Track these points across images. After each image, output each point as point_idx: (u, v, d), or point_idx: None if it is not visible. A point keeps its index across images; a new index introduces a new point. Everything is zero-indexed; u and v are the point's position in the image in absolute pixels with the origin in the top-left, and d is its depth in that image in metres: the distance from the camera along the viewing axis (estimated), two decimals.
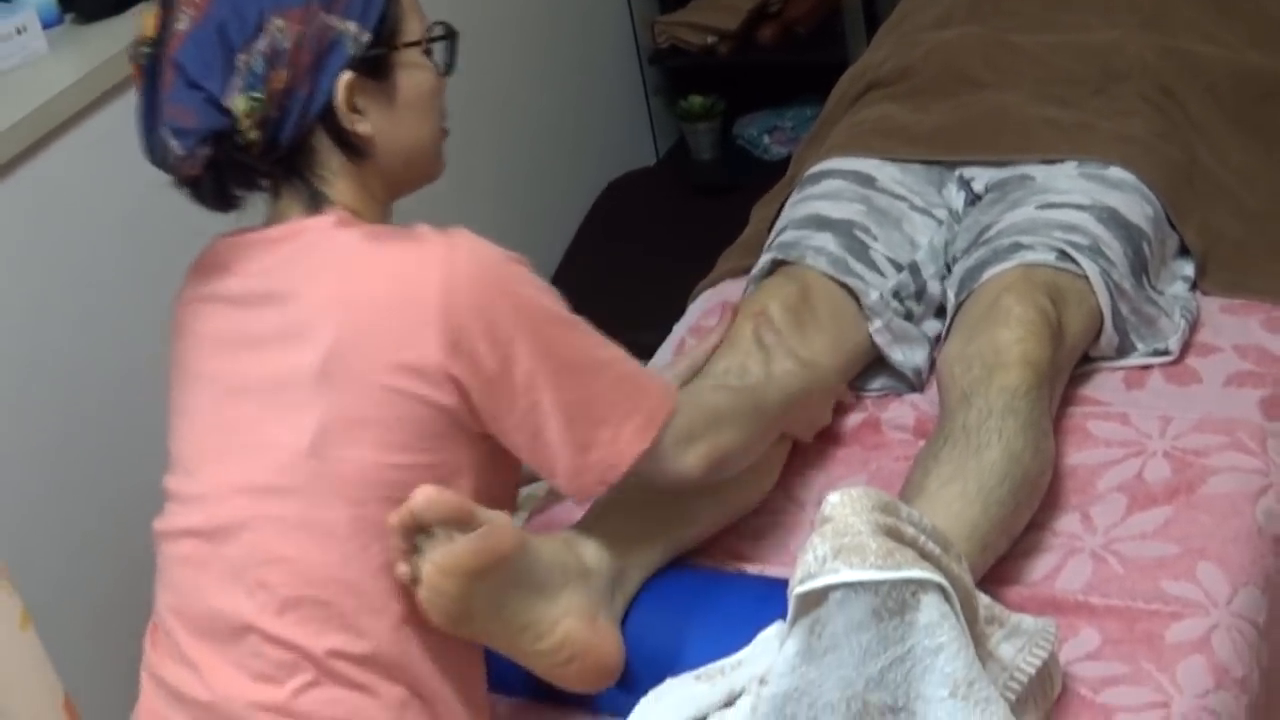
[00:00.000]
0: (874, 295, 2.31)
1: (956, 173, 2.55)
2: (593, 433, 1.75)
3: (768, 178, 2.96)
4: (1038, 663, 1.76)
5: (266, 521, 1.72)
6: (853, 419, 2.32)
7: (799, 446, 2.25)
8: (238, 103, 1.64)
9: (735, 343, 2.25)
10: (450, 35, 1.81)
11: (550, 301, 1.75)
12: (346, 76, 1.68)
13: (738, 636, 1.84)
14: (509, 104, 3.84)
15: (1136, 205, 2.38)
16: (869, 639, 1.57)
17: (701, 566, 2.07)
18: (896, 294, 2.35)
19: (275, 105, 1.65)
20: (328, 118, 1.70)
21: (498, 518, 1.75)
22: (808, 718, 1.62)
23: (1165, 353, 2.32)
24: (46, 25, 2.73)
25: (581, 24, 4.13)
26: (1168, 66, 2.68)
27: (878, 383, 2.38)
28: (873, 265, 2.36)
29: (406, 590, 1.72)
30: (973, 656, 1.59)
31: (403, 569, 1.71)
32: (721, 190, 4.07)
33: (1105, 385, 2.31)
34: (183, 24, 1.65)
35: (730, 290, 2.64)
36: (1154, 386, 2.29)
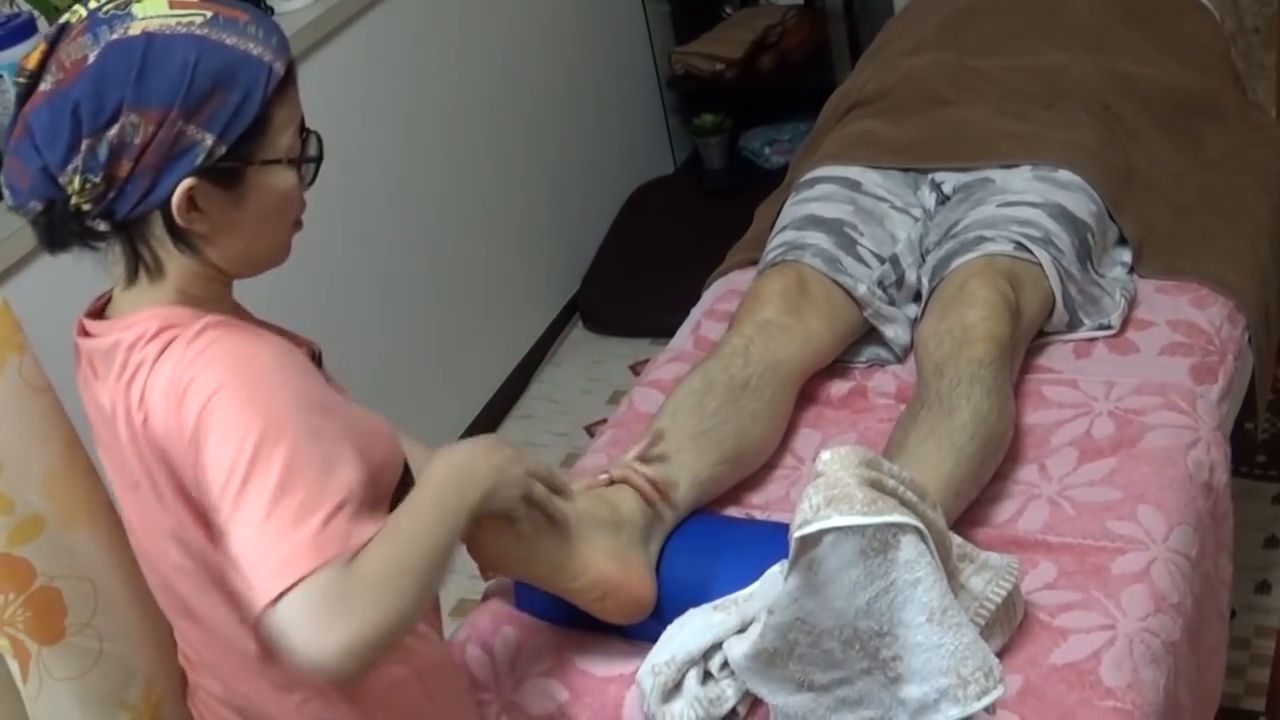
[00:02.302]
0: (862, 289, 2.29)
1: (929, 177, 2.53)
2: None
3: (769, 183, 2.94)
4: (1003, 593, 1.75)
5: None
6: (843, 387, 2.31)
7: (796, 412, 2.23)
8: (73, 181, 1.38)
9: (738, 325, 2.23)
10: (318, 158, 1.52)
11: (257, 405, 1.40)
12: (189, 182, 1.39)
13: (748, 572, 1.83)
14: (549, 123, 3.83)
15: (1082, 202, 2.37)
16: (857, 575, 1.55)
17: (717, 514, 2.05)
18: (880, 283, 2.33)
19: (113, 188, 1.39)
20: (165, 209, 1.41)
21: (540, 469, 1.71)
22: (807, 642, 1.61)
23: (1108, 327, 2.30)
24: None
25: (610, 55, 4.12)
26: (1107, 84, 2.67)
27: (864, 356, 2.36)
28: (860, 259, 2.34)
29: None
30: (946, 588, 1.58)
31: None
32: (730, 194, 4.06)
33: (1057, 356, 2.29)
34: (46, 85, 1.39)
35: (738, 279, 2.62)
36: (1099, 356, 2.27)
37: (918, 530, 1.57)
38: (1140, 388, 2.16)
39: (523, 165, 3.73)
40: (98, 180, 1.38)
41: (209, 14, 1.42)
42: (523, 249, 3.77)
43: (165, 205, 1.41)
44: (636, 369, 3.61)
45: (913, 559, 1.56)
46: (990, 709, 1.58)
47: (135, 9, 1.40)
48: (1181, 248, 2.45)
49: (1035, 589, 1.87)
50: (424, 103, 3.33)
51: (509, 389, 3.67)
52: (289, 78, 1.46)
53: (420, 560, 1.40)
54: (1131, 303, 2.34)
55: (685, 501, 1.98)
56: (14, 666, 1.65)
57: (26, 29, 2.41)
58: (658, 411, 2.11)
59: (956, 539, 1.75)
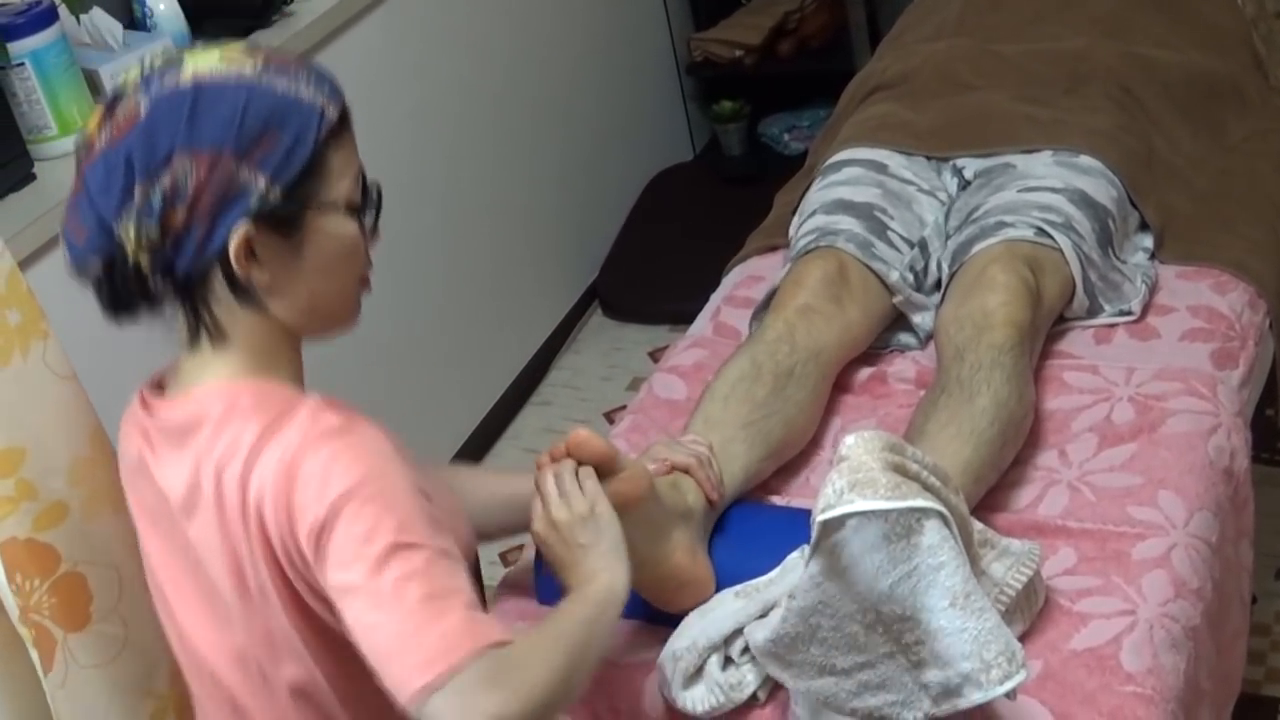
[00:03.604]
0: (894, 275, 2.29)
1: (950, 162, 2.53)
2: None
3: (788, 170, 2.94)
4: (1024, 579, 1.75)
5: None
6: (864, 373, 2.31)
7: None
8: (128, 230, 1.38)
9: (779, 309, 2.21)
10: (378, 204, 1.51)
11: (390, 508, 1.40)
12: (244, 227, 1.38)
13: (769, 559, 1.83)
14: (568, 111, 3.83)
15: (1103, 187, 2.37)
16: (880, 559, 1.55)
17: (740, 500, 2.05)
18: (911, 268, 2.33)
19: (169, 239, 1.38)
20: (225, 261, 1.40)
21: (636, 465, 1.72)
22: (829, 626, 1.61)
23: (1129, 313, 2.30)
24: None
25: (629, 42, 4.12)
26: (1127, 69, 2.66)
27: (887, 342, 2.36)
28: (891, 244, 2.34)
29: None
30: (969, 573, 1.58)
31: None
32: (749, 181, 4.05)
33: (1078, 341, 2.29)
34: (102, 140, 1.40)
35: (758, 265, 2.62)
36: (1119, 342, 2.27)
37: (941, 515, 1.57)
38: (1161, 373, 2.16)
39: (541, 153, 3.73)
40: (153, 229, 1.38)
41: (259, 62, 1.43)
42: (541, 236, 3.77)
43: (224, 257, 1.40)
44: (656, 356, 3.61)
45: (936, 544, 1.56)
46: (1011, 694, 1.58)
47: (186, 62, 1.42)
48: (1202, 233, 2.44)
49: (1055, 574, 1.87)
50: (441, 92, 3.33)
51: (528, 376, 3.68)
52: (343, 124, 1.46)
53: (568, 656, 1.43)
54: (1152, 288, 2.34)
55: (732, 493, 1.98)
56: (35, 655, 1.65)
57: (48, 16, 2.42)
58: (704, 394, 2.09)
59: (978, 525, 1.75)
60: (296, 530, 1.39)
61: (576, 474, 1.67)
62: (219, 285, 1.43)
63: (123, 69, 2.57)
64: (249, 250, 1.41)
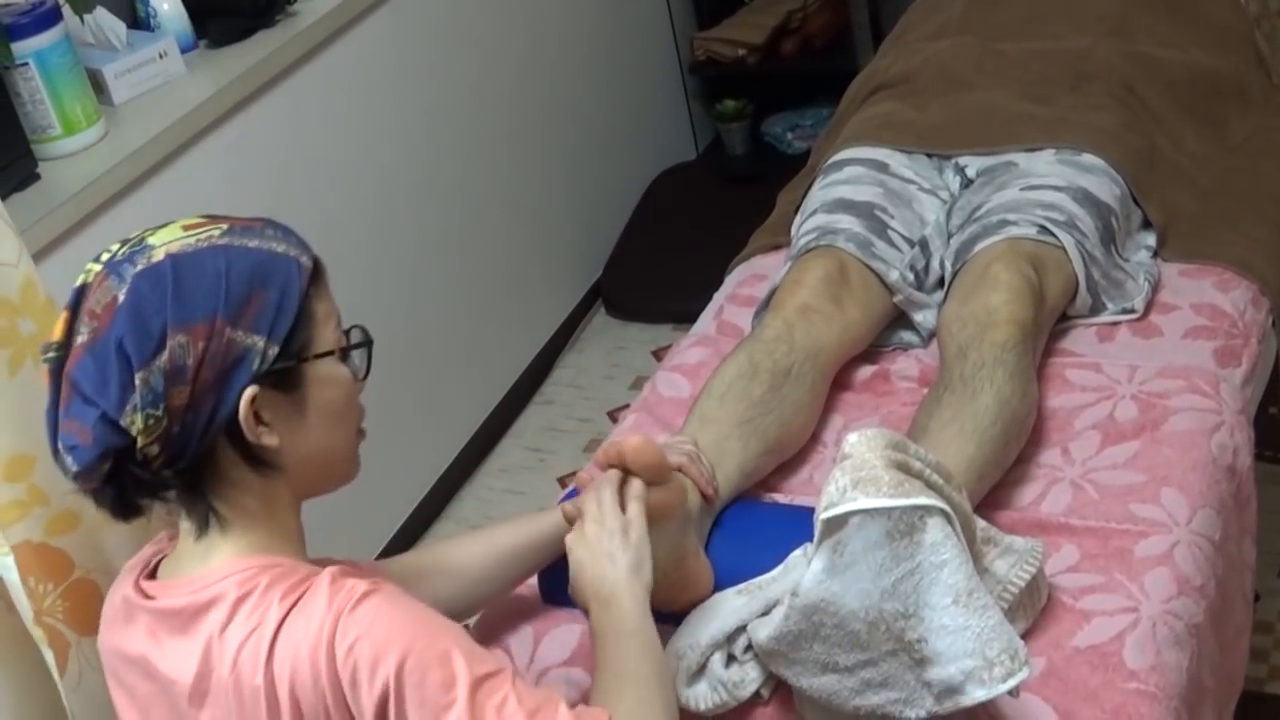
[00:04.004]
0: (894, 275, 2.29)
1: (953, 161, 2.53)
2: None
3: (791, 169, 2.94)
4: (1027, 577, 1.75)
5: None
6: (867, 371, 2.31)
7: None
8: (135, 421, 1.33)
9: (778, 309, 2.22)
10: (367, 343, 1.48)
11: (440, 653, 1.38)
12: (251, 391, 1.35)
13: (772, 557, 1.83)
14: (571, 110, 3.83)
15: (1105, 186, 2.37)
16: (883, 556, 1.56)
17: (741, 498, 2.06)
18: (911, 267, 2.33)
19: (176, 421, 1.34)
20: (232, 431, 1.37)
21: (678, 478, 1.72)
22: (832, 624, 1.61)
23: (1131, 311, 2.30)
24: (183, 50, 2.74)
25: (632, 42, 4.12)
26: (1130, 68, 2.67)
27: (889, 341, 2.36)
28: (891, 243, 2.34)
29: None
30: (972, 570, 1.58)
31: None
32: (752, 180, 4.06)
33: (1081, 339, 2.29)
34: (82, 337, 1.35)
35: (761, 264, 2.62)
36: (1122, 340, 2.27)
37: (944, 513, 1.57)
38: (1163, 371, 2.16)
39: (544, 152, 3.74)
40: (159, 414, 1.34)
41: (224, 226, 1.41)
42: (545, 235, 3.78)
43: (232, 429, 1.37)
44: (659, 354, 3.62)
45: (939, 541, 1.56)
46: (1014, 691, 1.59)
47: (150, 240, 1.39)
48: (1205, 231, 2.44)
49: (1058, 572, 1.87)
50: (445, 90, 3.34)
51: (532, 375, 3.68)
52: (318, 271, 1.45)
53: (653, 680, 1.49)
54: (1155, 286, 2.34)
55: (729, 491, 1.98)
56: (49, 656, 1.65)
57: (52, 16, 2.42)
58: (702, 392, 2.10)
59: (980, 522, 1.75)
60: (355, 702, 1.36)
61: (622, 487, 1.66)
62: (227, 461, 1.40)
63: (126, 68, 2.60)
64: (257, 414, 1.38)
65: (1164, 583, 1.84)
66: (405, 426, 3.20)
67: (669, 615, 1.84)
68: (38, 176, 2.40)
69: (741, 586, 1.81)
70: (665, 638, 1.81)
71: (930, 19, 2.97)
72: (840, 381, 2.27)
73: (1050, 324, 2.24)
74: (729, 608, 1.78)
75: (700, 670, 1.77)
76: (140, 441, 1.35)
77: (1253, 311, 2.30)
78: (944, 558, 1.57)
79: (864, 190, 2.42)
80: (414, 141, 3.24)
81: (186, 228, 1.40)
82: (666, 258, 3.89)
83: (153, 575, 1.50)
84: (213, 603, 1.41)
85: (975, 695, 1.58)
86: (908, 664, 1.62)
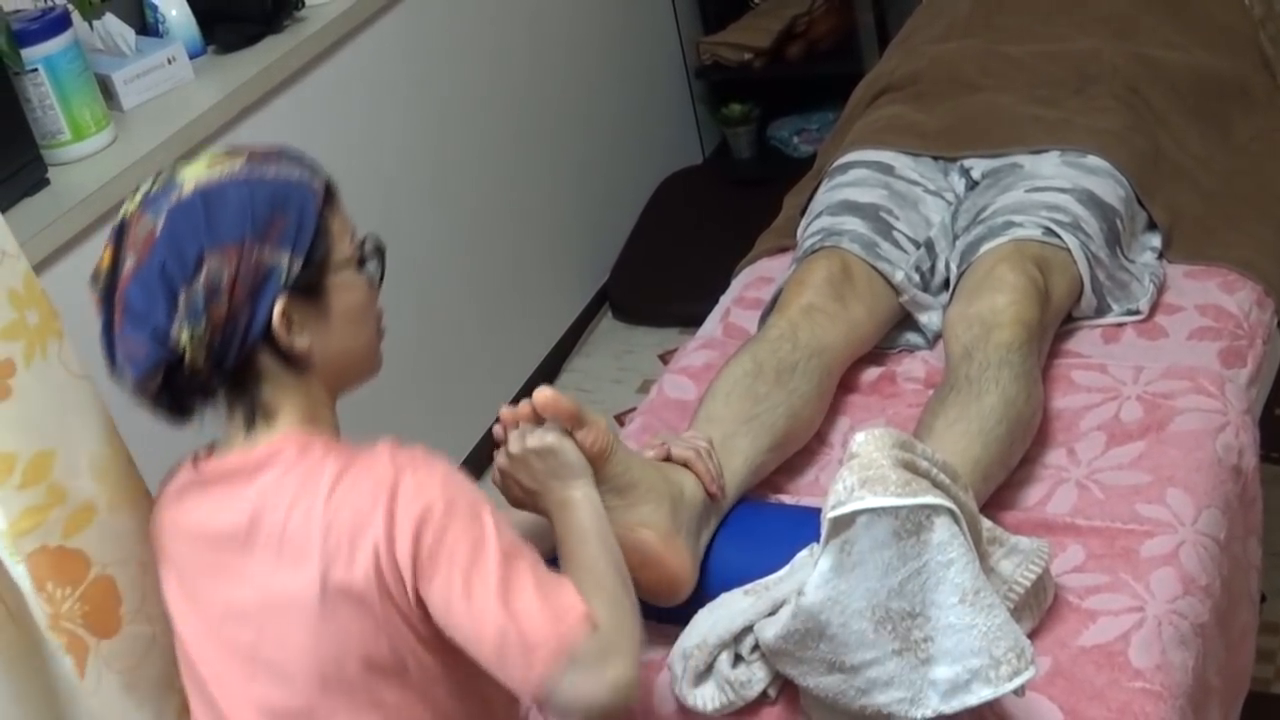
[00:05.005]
0: (900, 275, 2.30)
1: (958, 163, 2.54)
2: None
3: (797, 172, 2.94)
4: (1033, 577, 1.75)
5: (334, 714, 1.58)
6: (872, 372, 2.31)
7: None
8: (182, 336, 1.50)
9: (783, 309, 2.23)
10: (379, 251, 1.66)
11: (479, 522, 1.51)
12: (281, 301, 1.52)
13: (779, 557, 1.84)
14: (577, 114, 3.84)
15: (1110, 187, 2.37)
16: (890, 556, 1.56)
17: (747, 498, 2.06)
18: (916, 268, 2.34)
19: (217, 333, 1.51)
20: (268, 338, 1.54)
21: (599, 421, 1.76)
22: (839, 623, 1.62)
23: (1136, 312, 2.31)
24: (192, 56, 2.75)
25: (638, 46, 4.13)
26: (1135, 70, 2.67)
27: (895, 342, 2.37)
28: (896, 244, 2.35)
29: None
30: (979, 570, 1.59)
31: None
32: (758, 183, 4.05)
33: (1086, 340, 2.30)
34: (129, 264, 1.52)
35: (767, 267, 2.63)
36: (1128, 341, 2.28)
37: (951, 512, 1.58)
38: (1169, 372, 2.16)
39: (551, 156, 3.74)
40: (202, 328, 1.50)
41: (244, 158, 1.57)
42: (552, 239, 3.79)
43: (267, 336, 1.53)
44: (666, 358, 3.62)
45: (946, 540, 1.57)
46: (1020, 690, 1.59)
47: (179, 177, 1.55)
48: (1210, 233, 2.45)
49: (1064, 571, 1.88)
50: (452, 95, 3.35)
51: (539, 379, 3.69)
52: (330, 192, 1.60)
53: (617, 579, 1.58)
54: (1160, 288, 2.34)
55: (737, 488, 1.98)
56: (68, 663, 1.66)
57: (61, 22, 2.44)
58: (707, 392, 2.11)
59: (986, 522, 1.76)
60: (395, 546, 1.49)
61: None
62: (266, 363, 1.56)
63: (135, 74, 2.62)
64: (288, 321, 1.54)
65: (1169, 582, 1.84)
66: (413, 429, 3.19)
67: (678, 615, 1.85)
68: (47, 182, 2.41)
69: (748, 587, 1.82)
70: (672, 638, 1.83)
71: (935, 22, 2.98)
72: (846, 383, 2.27)
73: (1055, 325, 2.24)
74: (736, 608, 1.79)
75: (707, 670, 1.78)
76: (188, 353, 1.51)
77: (1257, 312, 2.31)
78: (951, 557, 1.57)
79: (869, 192, 2.43)
80: (421, 146, 3.25)
81: (210, 163, 1.56)
82: (673, 261, 3.90)
83: (211, 452, 1.65)
84: (270, 460, 1.57)
85: (981, 694, 1.59)
86: (914, 663, 1.62)
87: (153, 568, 1.70)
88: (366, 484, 1.51)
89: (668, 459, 1.91)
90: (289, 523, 1.53)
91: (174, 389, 1.55)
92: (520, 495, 1.75)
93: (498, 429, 1.78)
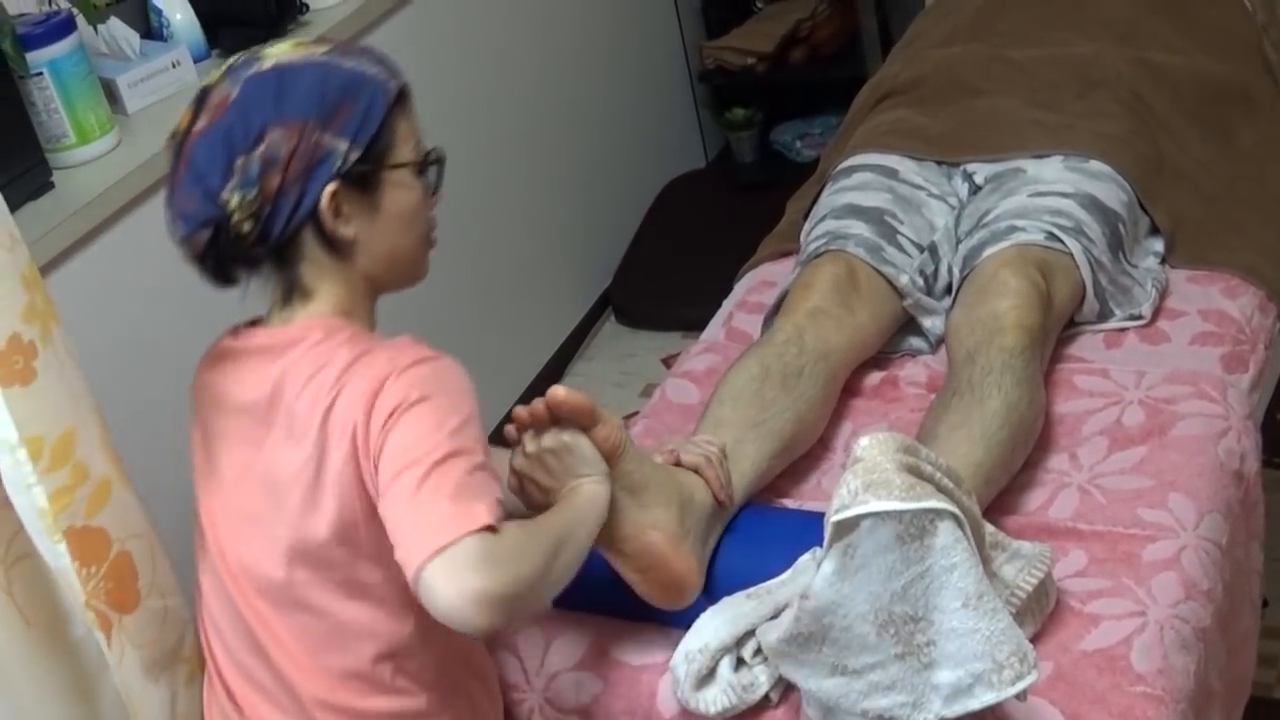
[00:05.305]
0: (904, 279, 2.30)
1: (961, 167, 2.54)
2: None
3: (800, 177, 2.95)
4: (1035, 581, 1.76)
5: (310, 587, 1.65)
6: (875, 377, 2.32)
7: None
8: (232, 198, 1.57)
9: (789, 312, 2.23)
10: (439, 161, 1.72)
11: (446, 417, 1.55)
12: (332, 186, 1.58)
13: (781, 561, 1.84)
14: (581, 118, 3.84)
15: (1113, 192, 2.38)
16: (894, 559, 1.57)
17: (750, 503, 2.07)
18: (920, 272, 2.34)
19: (267, 203, 1.57)
20: (315, 219, 1.60)
21: (613, 418, 1.78)
22: (841, 627, 1.62)
23: (1139, 317, 2.31)
24: (196, 59, 2.75)
25: (641, 49, 4.13)
26: (1137, 75, 2.67)
27: (898, 347, 2.37)
28: (901, 248, 2.35)
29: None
30: (982, 574, 1.59)
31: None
32: (761, 187, 4.06)
33: (1088, 345, 2.30)
34: (201, 124, 1.60)
35: (770, 271, 2.64)
36: (1130, 346, 2.28)
37: (955, 517, 1.58)
38: (1171, 377, 2.17)
39: (554, 160, 3.75)
40: (253, 195, 1.57)
41: (327, 46, 1.65)
42: (555, 243, 3.79)
43: (314, 218, 1.59)
44: (668, 362, 3.62)
45: (949, 545, 1.57)
46: (1022, 695, 1.60)
47: (264, 53, 1.62)
48: (1213, 238, 2.45)
49: (1066, 576, 1.88)
50: (457, 98, 3.35)
51: (542, 383, 3.69)
52: (403, 95, 1.66)
53: (551, 541, 1.59)
54: (1163, 293, 2.35)
55: (744, 493, 1.99)
56: (100, 638, 1.70)
57: (66, 26, 2.44)
58: (714, 395, 2.11)
59: (989, 527, 1.76)
60: (369, 434, 1.54)
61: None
62: (310, 244, 1.62)
63: (140, 78, 2.62)
64: (336, 207, 1.60)
65: (1171, 587, 1.84)
66: None
67: (681, 619, 1.85)
68: (52, 185, 2.41)
69: (750, 591, 1.82)
70: (675, 642, 1.83)
71: (939, 26, 2.98)
72: (849, 388, 2.28)
73: (1058, 330, 2.24)
74: (738, 611, 1.79)
75: (710, 674, 1.79)
76: (234, 217, 1.57)
77: (1260, 318, 2.31)
78: (954, 561, 1.58)
79: (873, 196, 2.44)
80: None
81: (295, 45, 1.64)
82: (676, 265, 3.90)
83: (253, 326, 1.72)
84: (297, 341, 1.63)
85: (984, 698, 1.59)
86: (916, 667, 1.62)
87: (151, 531, 1.74)
88: (367, 375, 1.56)
89: (677, 464, 1.90)
90: (298, 403, 1.59)
91: (219, 253, 1.61)
92: (539, 496, 1.75)
93: (509, 429, 1.79)
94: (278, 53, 1.62)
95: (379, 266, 1.66)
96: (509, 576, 1.47)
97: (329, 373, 1.59)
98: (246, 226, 1.58)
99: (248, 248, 1.60)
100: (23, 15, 2.45)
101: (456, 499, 1.49)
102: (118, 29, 2.66)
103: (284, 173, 1.56)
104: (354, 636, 1.65)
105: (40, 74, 2.41)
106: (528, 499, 1.76)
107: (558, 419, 1.75)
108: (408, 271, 1.72)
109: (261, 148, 1.56)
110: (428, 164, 1.69)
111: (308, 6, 2.89)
